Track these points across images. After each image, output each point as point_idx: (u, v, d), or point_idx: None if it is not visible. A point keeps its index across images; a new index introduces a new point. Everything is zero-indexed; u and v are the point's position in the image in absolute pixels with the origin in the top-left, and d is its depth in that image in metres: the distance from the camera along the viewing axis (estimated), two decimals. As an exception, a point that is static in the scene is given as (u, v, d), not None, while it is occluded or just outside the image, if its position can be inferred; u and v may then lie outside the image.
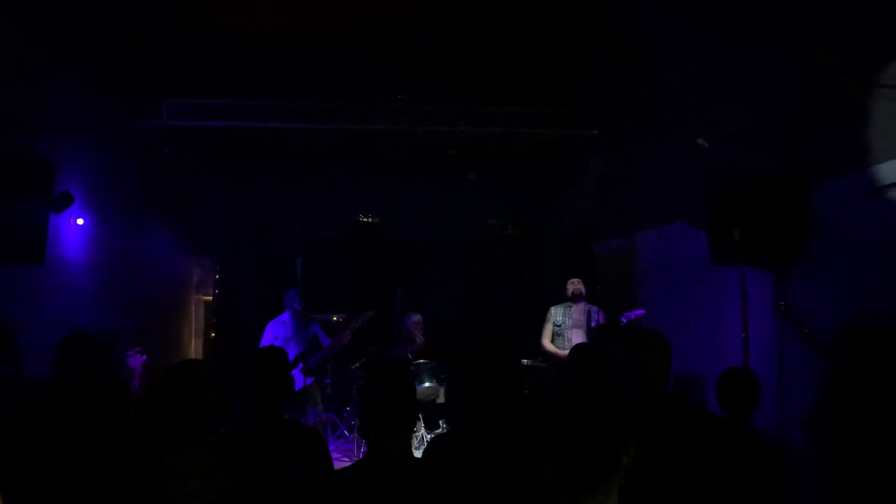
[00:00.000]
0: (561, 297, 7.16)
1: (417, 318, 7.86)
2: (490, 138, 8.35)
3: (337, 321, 7.28)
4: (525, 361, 7.07)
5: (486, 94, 7.91)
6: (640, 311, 7.10)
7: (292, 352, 6.61)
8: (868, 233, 4.48)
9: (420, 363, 7.54)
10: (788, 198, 5.01)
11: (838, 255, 4.73)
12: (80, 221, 6.40)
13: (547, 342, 7.07)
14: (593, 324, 6.87)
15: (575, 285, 7.14)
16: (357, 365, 7.80)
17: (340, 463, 6.44)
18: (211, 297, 9.12)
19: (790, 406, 4.75)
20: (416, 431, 7.16)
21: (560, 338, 7.00)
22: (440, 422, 7.61)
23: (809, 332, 4.62)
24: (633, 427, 1.90)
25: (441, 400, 7.69)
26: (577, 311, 7.13)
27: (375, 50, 7.41)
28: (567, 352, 6.55)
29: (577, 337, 6.97)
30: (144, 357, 5.30)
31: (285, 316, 7.35)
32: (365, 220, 9.14)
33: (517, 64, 7.87)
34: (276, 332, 7.14)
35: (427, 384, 7.44)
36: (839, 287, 4.69)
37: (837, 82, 4.56)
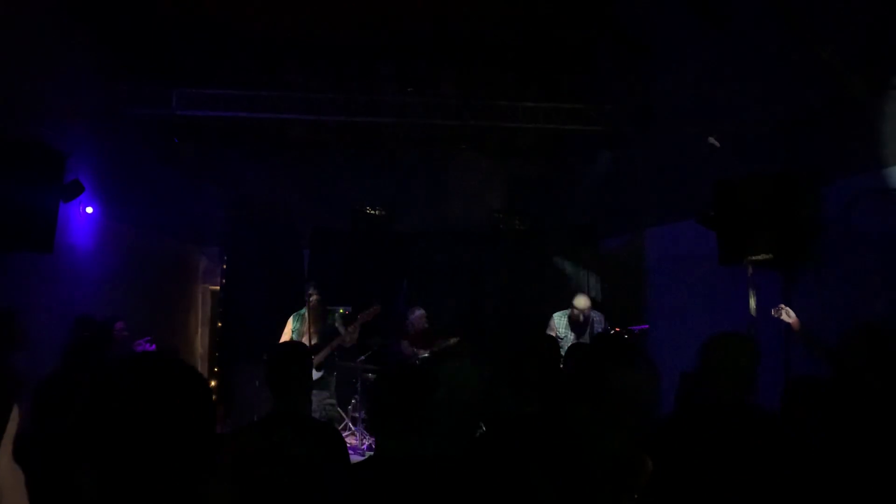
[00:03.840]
0: (565, 304, 6.81)
1: (421, 312, 7.85)
2: (497, 132, 8.32)
3: (344, 313, 7.21)
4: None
5: (494, 89, 7.89)
6: (645, 326, 6.98)
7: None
8: (878, 234, 4.46)
9: (423, 357, 7.52)
10: (797, 197, 4.97)
11: (847, 257, 4.70)
12: (89, 210, 6.42)
13: None
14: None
15: (579, 317, 6.63)
16: (362, 357, 7.80)
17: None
18: (218, 287, 9.14)
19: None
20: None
21: (562, 349, 6.73)
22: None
23: (807, 335, 4.60)
24: (657, 438, 1.70)
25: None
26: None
27: (383, 43, 7.40)
28: None
29: None
30: (154, 346, 5.34)
31: (304, 308, 7.13)
32: (371, 212, 9.14)
33: (525, 59, 7.84)
34: (294, 325, 6.99)
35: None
36: (847, 288, 4.67)
37: (847, 83, 4.54)
